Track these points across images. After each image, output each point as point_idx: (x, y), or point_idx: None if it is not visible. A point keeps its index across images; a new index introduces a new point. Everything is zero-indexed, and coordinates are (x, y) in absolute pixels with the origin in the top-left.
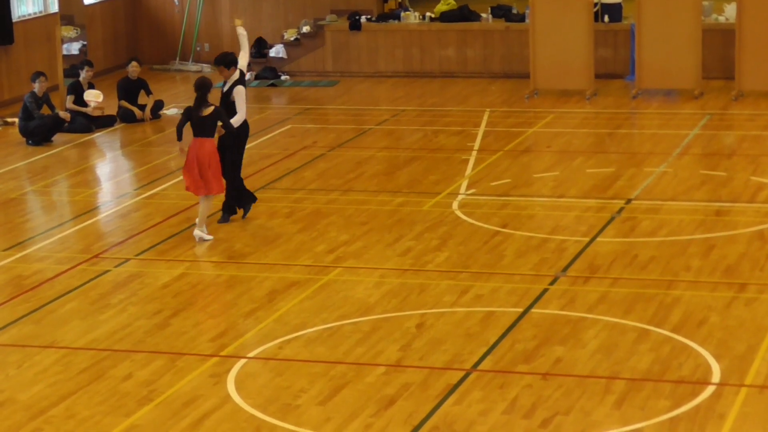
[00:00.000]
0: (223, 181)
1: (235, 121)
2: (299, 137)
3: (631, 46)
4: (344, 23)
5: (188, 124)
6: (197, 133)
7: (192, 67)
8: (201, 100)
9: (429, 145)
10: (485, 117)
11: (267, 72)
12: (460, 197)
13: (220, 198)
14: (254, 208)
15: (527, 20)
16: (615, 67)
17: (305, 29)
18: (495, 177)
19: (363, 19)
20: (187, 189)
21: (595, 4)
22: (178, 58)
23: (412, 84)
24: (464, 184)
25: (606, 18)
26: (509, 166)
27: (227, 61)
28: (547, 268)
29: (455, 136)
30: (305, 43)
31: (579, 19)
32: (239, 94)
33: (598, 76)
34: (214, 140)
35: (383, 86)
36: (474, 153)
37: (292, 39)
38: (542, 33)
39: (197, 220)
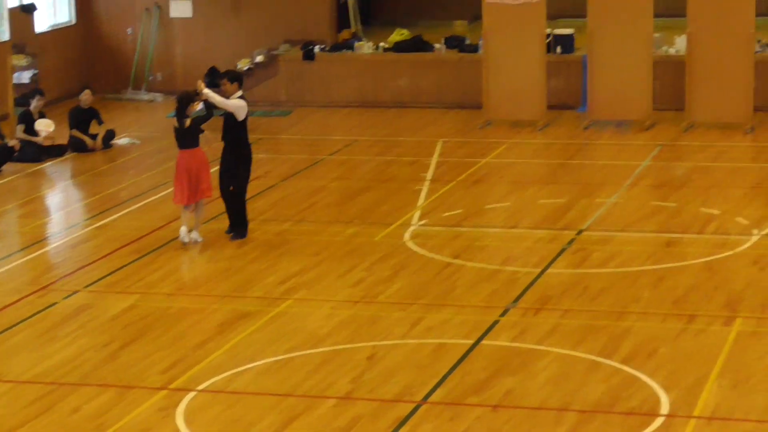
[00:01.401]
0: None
1: (215, 95)
2: (252, 167)
3: (583, 77)
4: (298, 53)
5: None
6: (182, 145)
7: (144, 96)
8: (181, 113)
9: (382, 176)
10: (438, 147)
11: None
12: (412, 228)
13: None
14: (204, 240)
15: (480, 51)
16: (567, 98)
17: (259, 59)
18: (447, 207)
19: (317, 48)
20: (176, 202)
21: (548, 35)
22: (130, 87)
23: (365, 114)
24: (417, 214)
25: (558, 49)
26: (462, 196)
27: (230, 75)
28: (499, 299)
29: (408, 166)
30: (258, 72)
31: (531, 50)
32: (236, 104)
33: (550, 107)
34: (201, 148)
35: (337, 116)
36: (427, 183)
37: (245, 68)
38: (495, 64)
39: (194, 226)
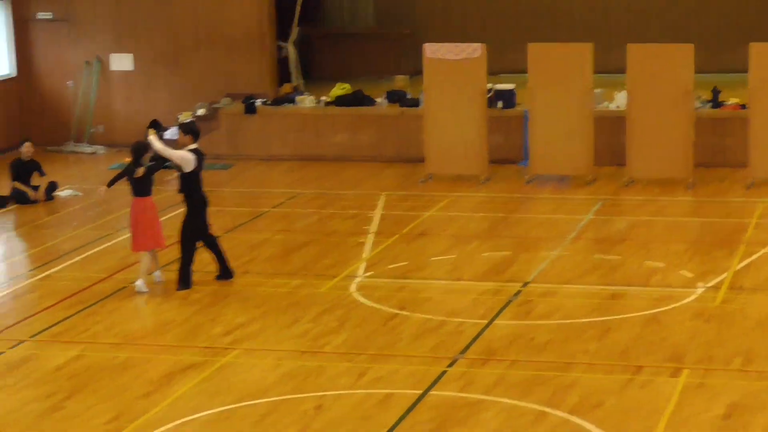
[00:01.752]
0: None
1: (157, 142)
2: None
3: (525, 131)
4: (239, 107)
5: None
6: (135, 193)
7: (86, 148)
8: (135, 162)
9: (324, 229)
10: (381, 200)
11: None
12: (357, 279)
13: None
14: (150, 291)
15: (421, 105)
16: (508, 153)
17: (200, 112)
18: (392, 259)
19: (258, 102)
20: (135, 249)
21: (489, 90)
22: (72, 140)
23: (306, 168)
24: (362, 266)
25: (499, 104)
26: (406, 248)
27: (184, 128)
28: (445, 350)
29: (350, 219)
30: (200, 125)
31: (473, 104)
32: (182, 155)
33: (492, 161)
34: (151, 198)
35: (278, 169)
36: (371, 236)
37: (187, 121)
38: (436, 118)
39: (142, 273)
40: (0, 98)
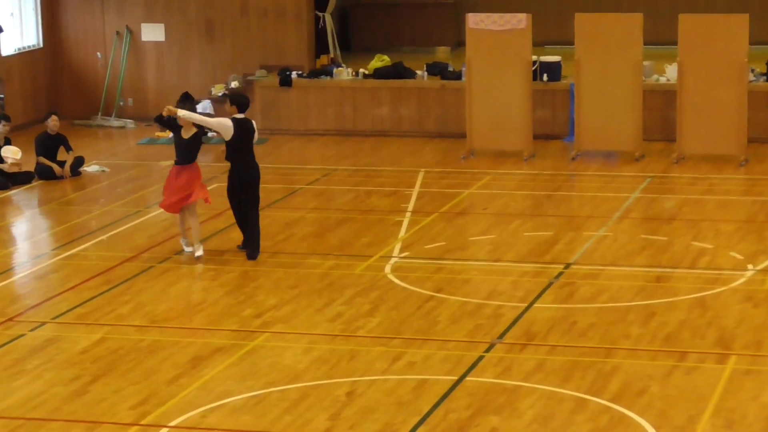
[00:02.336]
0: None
1: (191, 114)
2: (226, 197)
3: (571, 106)
4: (274, 79)
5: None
6: (182, 160)
7: (115, 122)
8: (171, 125)
9: (361, 206)
10: (420, 178)
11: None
12: (393, 260)
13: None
14: (177, 270)
15: (463, 78)
16: (553, 128)
17: (233, 84)
18: (429, 240)
19: (294, 75)
20: (168, 208)
21: (534, 63)
22: (100, 114)
23: (344, 143)
24: (397, 246)
25: (545, 77)
26: (444, 228)
27: (230, 97)
28: (483, 334)
29: (388, 197)
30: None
31: (517, 77)
32: (220, 121)
33: (536, 137)
34: (197, 164)
35: (314, 145)
36: (408, 215)
37: (219, 94)
38: (479, 92)
39: (195, 239)
40: (26, 70)
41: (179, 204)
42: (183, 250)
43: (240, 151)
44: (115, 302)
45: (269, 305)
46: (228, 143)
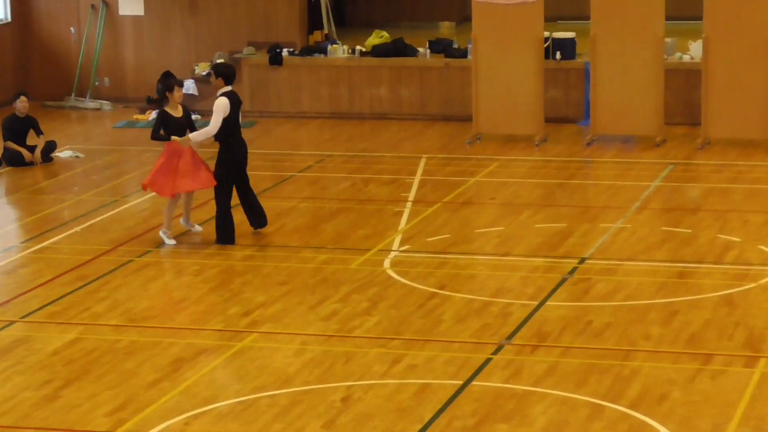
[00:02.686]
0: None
1: (198, 133)
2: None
3: (586, 86)
4: (263, 57)
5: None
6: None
7: (90, 104)
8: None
9: (358, 196)
10: (421, 164)
11: None
12: (392, 254)
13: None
14: (157, 265)
15: (469, 56)
16: (567, 110)
17: (219, 63)
18: (432, 232)
19: (285, 52)
20: (160, 192)
21: (546, 39)
22: (73, 94)
23: (339, 126)
24: (397, 239)
25: (558, 55)
26: (448, 219)
27: (218, 70)
28: (490, 335)
29: (387, 185)
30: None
31: (527, 55)
32: (217, 106)
33: (548, 120)
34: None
35: (307, 128)
36: (409, 205)
37: (203, 74)
38: (486, 71)
39: (183, 219)
40: None
41: (191, 186)
42: (164, 242)
43: (233, 127)
44: (90, 299)
45: (258, 303)
46: (223, 121)
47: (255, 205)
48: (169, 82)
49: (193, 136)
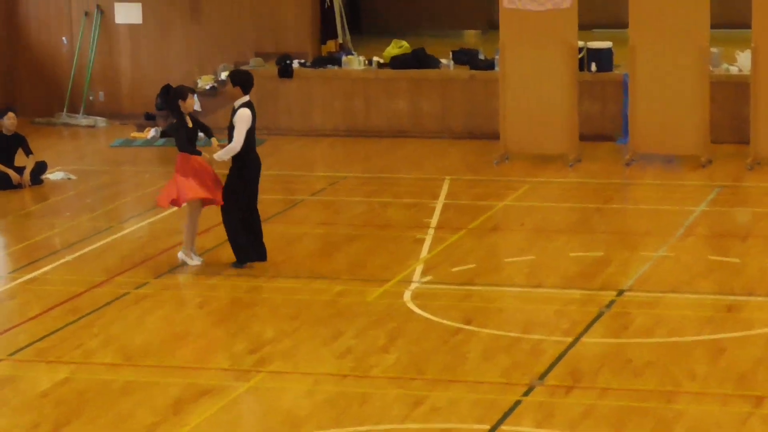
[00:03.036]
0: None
1: (224, 152)
2: (214, 210)
3: (624, 100)
4: (272, 69)
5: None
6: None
7: (83, 120)
8: (172, 106)
9: (375, 221)
10: (445, 186)
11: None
12: (413, 286)
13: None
14: (156, 297)
15: (496, 67)
16: (604, 127)
17: (224, 75)
18: (457, 261)
19: (295, 64)
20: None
21: (580, 50)
22: (65, 110)
23: (354, 144)
24: (419, 269)
25: (593, 66)
26: (474, 247)
27: (234, 78)
28: (520, 374)
29: (407, 209)
30: (224, 92)
31: (560, 66)
32: (240, 118)
33: (582, 138)
34: (182, 154)
35: (319, 147)
36: (431, 231)
37: (207, 87)
38: (515, 83)
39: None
40: None
41: (198, 192)
42: (186, 264)
43: (251, 139)
44: (83, 335)
45: (266, 338)
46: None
47: (258, 233)
48: (181, 89)
49: (219, 156)
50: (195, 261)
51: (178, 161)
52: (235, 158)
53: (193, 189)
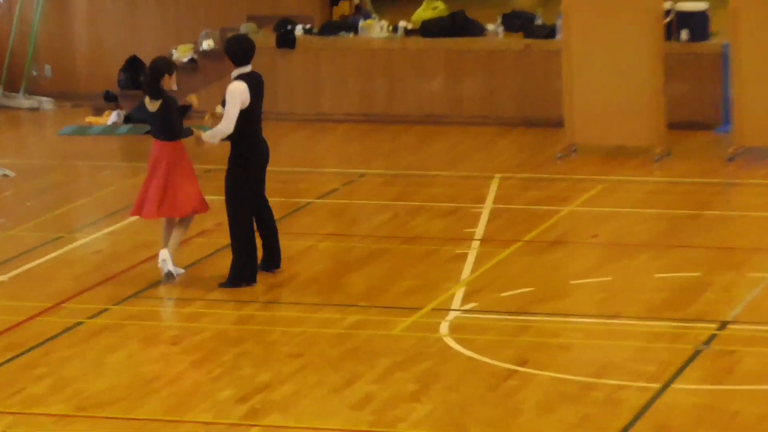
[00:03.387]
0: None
1: (211, 133)
2: (196, 217)
3: (724, 79)
4: (268, 37)
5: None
6: (154, 133)
7: (24, 101)
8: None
9: (401, 232)
10: (492, 188)
11: (143, 112)
12: (451, 315)
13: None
14: (119, 330)
15: (558, 36)
16: (699, 113)
17: (206, 45)
18: (508, 284)
19: (298, 30)
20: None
21: (667, 13)
22: (2, 88)
23: (374, 134)
24: (459, 294)
25: (683, 35)
26: (530, 266)
27: (228, 48)
28: (593, 430)
29: (443, 217)
30: (206, 66)
31: (640, 34)
32: (231, 93)
33: (672, 126)
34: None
35: (329, 136)
36: (475, 245)
37: (185, 60)
38: (582, 56)
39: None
40: None
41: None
42: (173, 276)
43: (253, 122)
44: (24, 377)
45: (260, 383)
46: (241, 113)
47: (270, 233)
48: (165, 61)
49: (206, 136)
50: (180, 271)
51: (167, 155)
52: (234, 145)
53: (193, 198)
